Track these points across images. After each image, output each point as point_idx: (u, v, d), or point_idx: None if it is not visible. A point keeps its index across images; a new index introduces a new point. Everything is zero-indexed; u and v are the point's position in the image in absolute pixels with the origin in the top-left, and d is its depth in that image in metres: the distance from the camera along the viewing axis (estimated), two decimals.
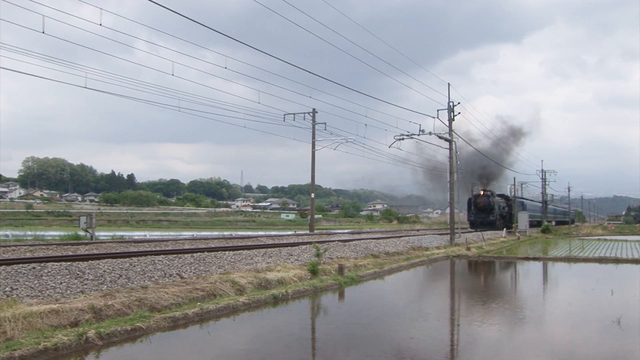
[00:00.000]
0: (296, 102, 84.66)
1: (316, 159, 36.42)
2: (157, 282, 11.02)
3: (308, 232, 36.96)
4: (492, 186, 59.90)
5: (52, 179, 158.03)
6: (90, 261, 11.01)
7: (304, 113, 35.47)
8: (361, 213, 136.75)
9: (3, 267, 9.59)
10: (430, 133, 31.20)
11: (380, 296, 14.43)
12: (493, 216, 50.68)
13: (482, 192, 51.90)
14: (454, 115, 31.30)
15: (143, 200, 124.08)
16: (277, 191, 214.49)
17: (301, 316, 11.11)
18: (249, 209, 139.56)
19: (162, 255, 12.82)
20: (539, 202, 77.54)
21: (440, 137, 31.61)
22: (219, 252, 14.48)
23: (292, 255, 16.33)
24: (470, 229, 48.46)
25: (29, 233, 30.64)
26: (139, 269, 11.30)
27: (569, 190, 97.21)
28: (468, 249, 27.33)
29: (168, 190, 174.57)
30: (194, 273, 12.20)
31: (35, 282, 9.33)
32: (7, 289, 8.81)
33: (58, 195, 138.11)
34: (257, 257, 14.93)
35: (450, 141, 31.33)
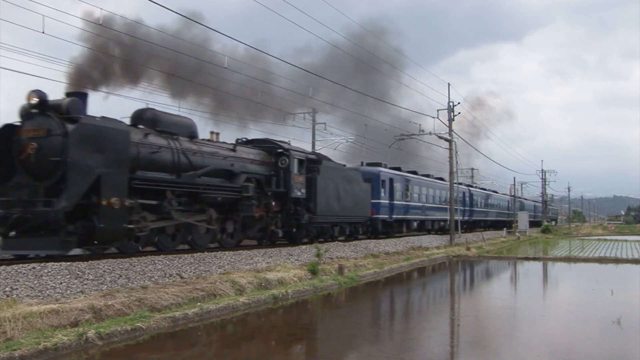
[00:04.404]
0: (296, 102, 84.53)
1: None
2: (157, 282, 11.02)
3: None
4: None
5: None
6: (90, 261, 10.98)
7: (304, 113, 35.43)
8: None
9: (3, 267, 9.57)
10: (430, 133, 31.20)
11: (380, 296, 14.44)
12: (69, 201, 10.82)
13: (30, 99, 11.30)
14: (454, 115, 31.30)
15: None
16: None
17: (301, 316, 11.11)
18: None
19: (162, 255, 12.80)
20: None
21: (440, 137, 31.62)
22: (219, 252, 14.45)
23: (292, 255, 16.31)
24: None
25: None
26: (138, 269, 11.29)
27: (569, 190, 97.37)
28: (468, 249, 27.32)
29: None
30: (194, 273, 12.19)
31: (35, 282, 9.32)
32: (7, 289, 8.79)
33: None
34: (257, 257, 14.91)
35: (450, 141, 31.33)
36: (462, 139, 36.43)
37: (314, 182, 19.24)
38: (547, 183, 72.60)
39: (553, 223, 69.82)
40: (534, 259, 24.53)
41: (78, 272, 10.14)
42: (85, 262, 10.74)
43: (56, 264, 10.26)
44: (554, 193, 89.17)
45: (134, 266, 11.36)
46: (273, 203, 17.45)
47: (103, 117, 12.26)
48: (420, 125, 31.33)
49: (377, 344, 8.50)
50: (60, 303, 8.42)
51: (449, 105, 31.27)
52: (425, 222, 32.67)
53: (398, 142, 31.56)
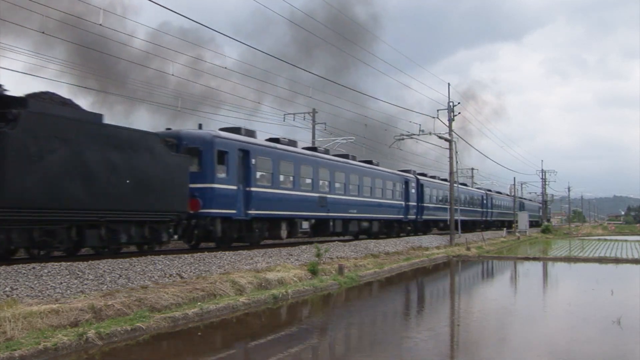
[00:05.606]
0: (296, 102, 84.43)
1: None
2: (157, 282, 11.02)
3: None
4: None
5: None
6: (90, 261, 10.99)
7: (304, 113, 35.42)
8: None
9: (3, 267, 9.57)
10: (430, 133, 31.21)
11: (380, 297, 14.44)
12: None
13: None
14: (454, 115, 31.30)
15: None
16: None
17: (301, 317, 11.10)
18: None
19: (162, 255, 12.80)
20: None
21: (440, 137, 31.61)
22: (219, 252, 14.45)
23: (292, 255, 16.31)
24: None
25: None
26: (138, 269, 11.29)
27: (569, 190, 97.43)
28: (468, 249, 27.32)
29: None
30: (194, 273, 12.19)
31: (35, 282, 9.32)
32: (7, 289, 8.79)
33: None
34: (257, 257, 14.91)
35: (450, 141, 31.33)
36: (458, 135, 36.46)
37: None
38: (547, 183, 72.69)
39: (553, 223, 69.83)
40: (534, 259, 24.52)
41: (78, 272, 10.14)
42: (85, 262, 10.75)
43: (56, 264, 10.27)
44: (554, 193, 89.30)
45: (134, 266, 11.36)
46: None
47: None
48: (420, 125, 31.36)
49: (377, 344, 8.50)
50: (60, 303, 8.43)
51: (449, 106, 31.28)
52: (329, 221, 21.62)
53: (398, 142, 31.60)
